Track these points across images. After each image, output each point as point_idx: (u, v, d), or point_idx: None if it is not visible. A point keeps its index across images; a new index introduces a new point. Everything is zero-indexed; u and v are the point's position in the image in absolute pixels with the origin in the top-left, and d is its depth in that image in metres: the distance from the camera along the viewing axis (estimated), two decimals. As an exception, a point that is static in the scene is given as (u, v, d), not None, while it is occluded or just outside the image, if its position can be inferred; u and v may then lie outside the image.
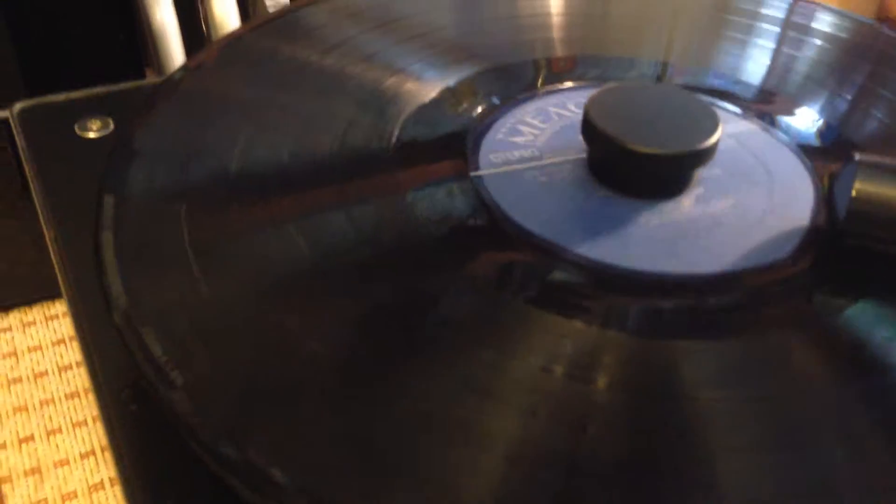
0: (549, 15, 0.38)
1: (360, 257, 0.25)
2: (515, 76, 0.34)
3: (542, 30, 0.37)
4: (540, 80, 0.34)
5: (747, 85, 0.35)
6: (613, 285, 0.25)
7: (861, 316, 0.24)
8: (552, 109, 0.32)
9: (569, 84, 0.34)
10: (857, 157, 0.25)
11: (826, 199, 0.28)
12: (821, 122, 0.33)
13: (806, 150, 0.31)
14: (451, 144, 0.30)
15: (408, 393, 0.21)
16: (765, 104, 0.34)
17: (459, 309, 0.23)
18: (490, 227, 0.27)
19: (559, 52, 0.36)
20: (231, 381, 0.21)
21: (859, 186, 0.24)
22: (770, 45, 0.38)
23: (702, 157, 0.27)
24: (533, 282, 0.25)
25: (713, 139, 0.27)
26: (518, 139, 0.30)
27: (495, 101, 0.32)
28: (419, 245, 0.26)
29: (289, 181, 0.27)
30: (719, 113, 0.32)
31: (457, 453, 0.20)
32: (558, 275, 0.25)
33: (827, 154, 0.31)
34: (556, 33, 0.37)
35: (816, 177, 0.29)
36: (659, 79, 0.35)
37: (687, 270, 0.25)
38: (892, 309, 0.24)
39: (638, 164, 0.27)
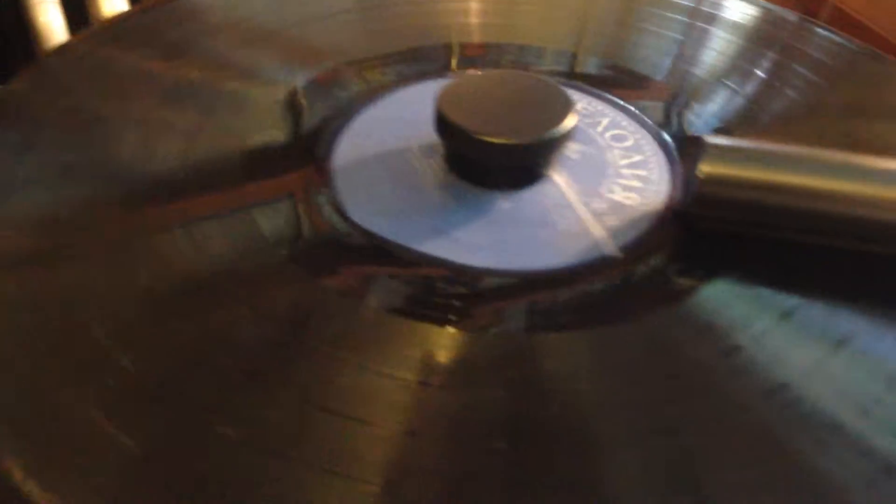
0: (391, 6, 0.37)
1: (204, 277, 0.24)
2: (366, 73, 0.33)
3: (385, 22, 0.36)
4: (393, 76, 0.33)
5: (632, 73, 0.35)
6: (471, 287, 0.24)
7: (714, 295, 0.24)
8: (407, 104, 0.31)
9: (423, 78, 0.33)
10: (705, 139, 0.25)
11: (683, 183, 0.28)
12: (702, 108, 0.33)
13: (678, 137, 0.31)
14: (301, 149, 0.29)
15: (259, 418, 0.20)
16: (646, 91, 0.34)
17: (311, 324, 0.22)
18: (342, 236, 0.25)
19: (410, 44, 0.35)
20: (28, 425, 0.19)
21: (705, 169, 0.24)
22: (669, 34, 0.38)
23: (554, 145, 0.26)
24: (386, 290, 0.24)
25: (566, 127, 0.26)
26: (373, 138, 0.29)
27: (347, 99, 0.31)
28: (266, 259, 0.24)
29: (125, 199, 0.26)
30: (588, 100, 0.31)
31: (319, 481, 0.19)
32: (414, 282, 0.24)
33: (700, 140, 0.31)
34: (402, 24, 0.36)
35: (678, 162, 0.29)
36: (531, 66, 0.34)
37: (540, 264, 0.25)
38: (744, 287, 0.24)
39: (490, 155, 0.26)
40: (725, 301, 0.24)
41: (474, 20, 0.37)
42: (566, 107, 0.27)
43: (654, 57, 0.36)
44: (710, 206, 0.25)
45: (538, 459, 0.19)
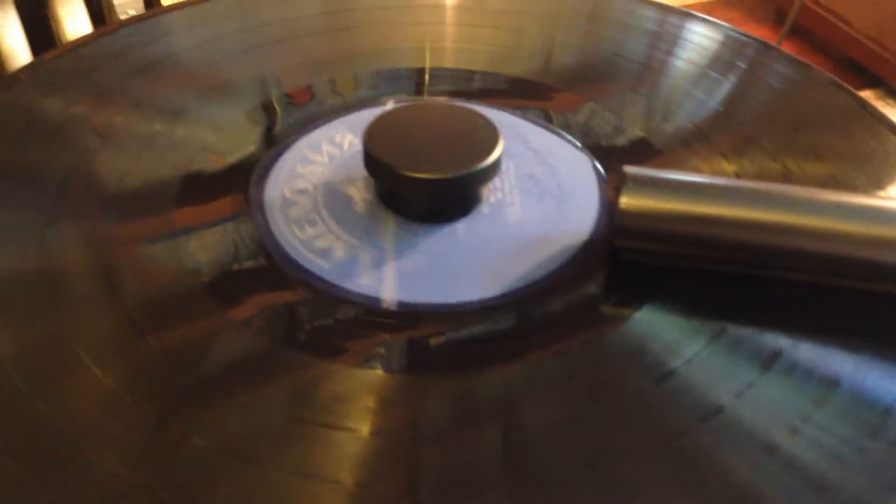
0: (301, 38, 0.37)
1: (127, 305, 0.24)
2: (294, 107, 0.33)
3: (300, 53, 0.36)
4: (322, 109, 0.33)
5: (553, 90, 0.34)
6: (401, 322, 0.24)
7: (642, 325, 0.24)
8: (337, 138, 0.31)
9: (352, 109, 0.33)
10: (625, 169, 0.25)
11: (610, 212, 0.28)
12: (628, 127, 0.33)
13: (605, 156, 0.31)
14: (233, 182, 0.29)
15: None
16: (568, 109, 0.34)
17: (233, 358, 0.22)
18: (271, 269, 0.25)
19: (318, 77, 0.35)
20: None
21: (625, 201, 0.24)
22: (591, 45, 0.38)
23: (482, 176, 0.26)
24: (314, 327, 0.23)
25: (492, 158, 0.26)
26: (305, 171, 0.29)
27: (277, 135, 0.31)
28: (194, 290, 0.24)
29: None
30: (513, 122, 0.31)
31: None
32: (341, 318, 0.24)
33: (627, 159, 0.31)
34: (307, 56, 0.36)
35: (607, 187, 0.29)
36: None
37: (471, 297, 0.25)
38: (674, 313, 0.24)
39: (420, 191, 0.26)
40: (657, 328, 0.24)
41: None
42: (493, 139, 0.27)
43: (565, 69, 0.36)
44: (630, 238, 0.25)
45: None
